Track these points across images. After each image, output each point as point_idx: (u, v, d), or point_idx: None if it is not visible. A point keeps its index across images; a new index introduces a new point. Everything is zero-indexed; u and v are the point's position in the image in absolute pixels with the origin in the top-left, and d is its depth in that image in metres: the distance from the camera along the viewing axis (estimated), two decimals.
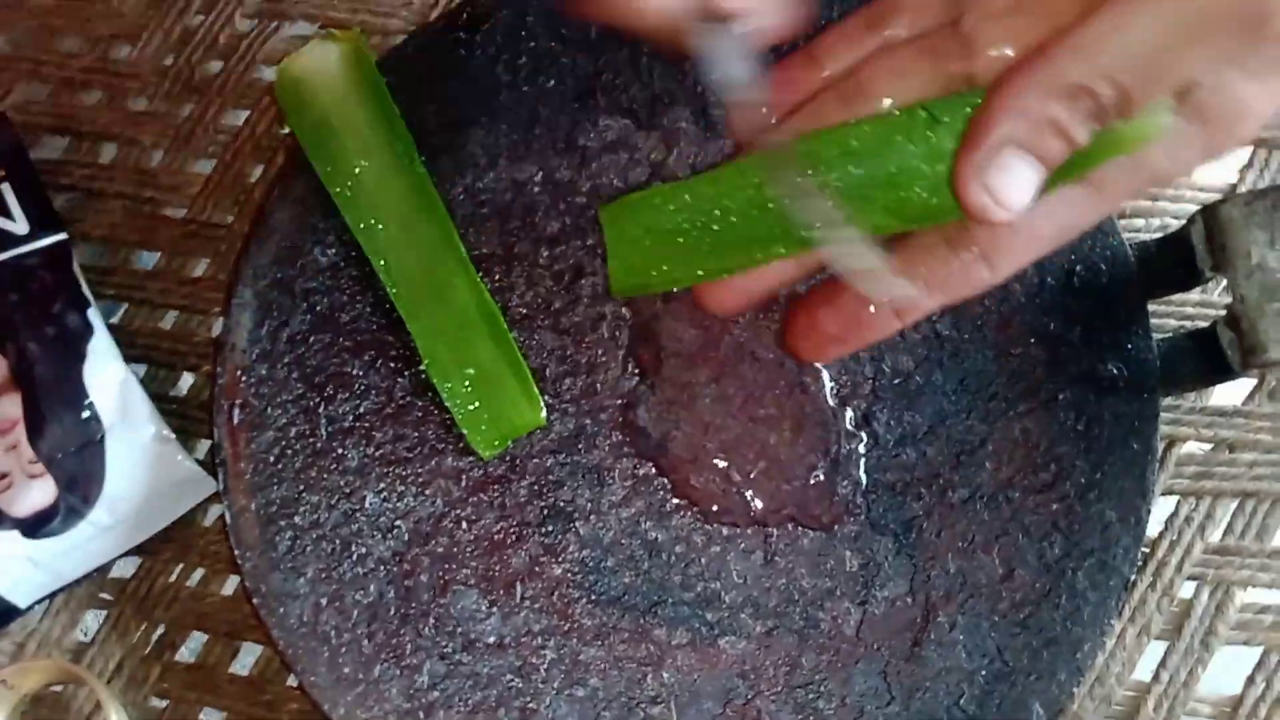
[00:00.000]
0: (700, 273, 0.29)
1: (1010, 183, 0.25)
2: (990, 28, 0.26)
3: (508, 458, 0.40)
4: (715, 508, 0.40)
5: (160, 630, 0.42)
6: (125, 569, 0.43)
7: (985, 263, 0.27)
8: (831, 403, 0.40)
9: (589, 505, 0.40)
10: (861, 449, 0.40)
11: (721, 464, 0.40)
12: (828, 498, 0.40)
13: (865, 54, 0.28)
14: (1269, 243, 0.36)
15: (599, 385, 0.40)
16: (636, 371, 0.40)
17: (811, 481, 0.40)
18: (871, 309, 0.28)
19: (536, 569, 0.39)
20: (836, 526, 0.39)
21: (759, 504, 0.39)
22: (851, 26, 0.29)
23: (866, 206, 0.27)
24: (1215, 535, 0.40)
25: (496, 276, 0.41)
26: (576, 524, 0.39)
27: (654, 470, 0.40)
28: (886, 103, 0.27)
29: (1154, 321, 0.40)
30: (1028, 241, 0.27)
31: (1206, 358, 0.38)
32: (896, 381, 0.40)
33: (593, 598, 0.39)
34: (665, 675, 0.39)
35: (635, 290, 0.31)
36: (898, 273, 0.27)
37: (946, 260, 0.27)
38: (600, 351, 0.41)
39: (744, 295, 0.30)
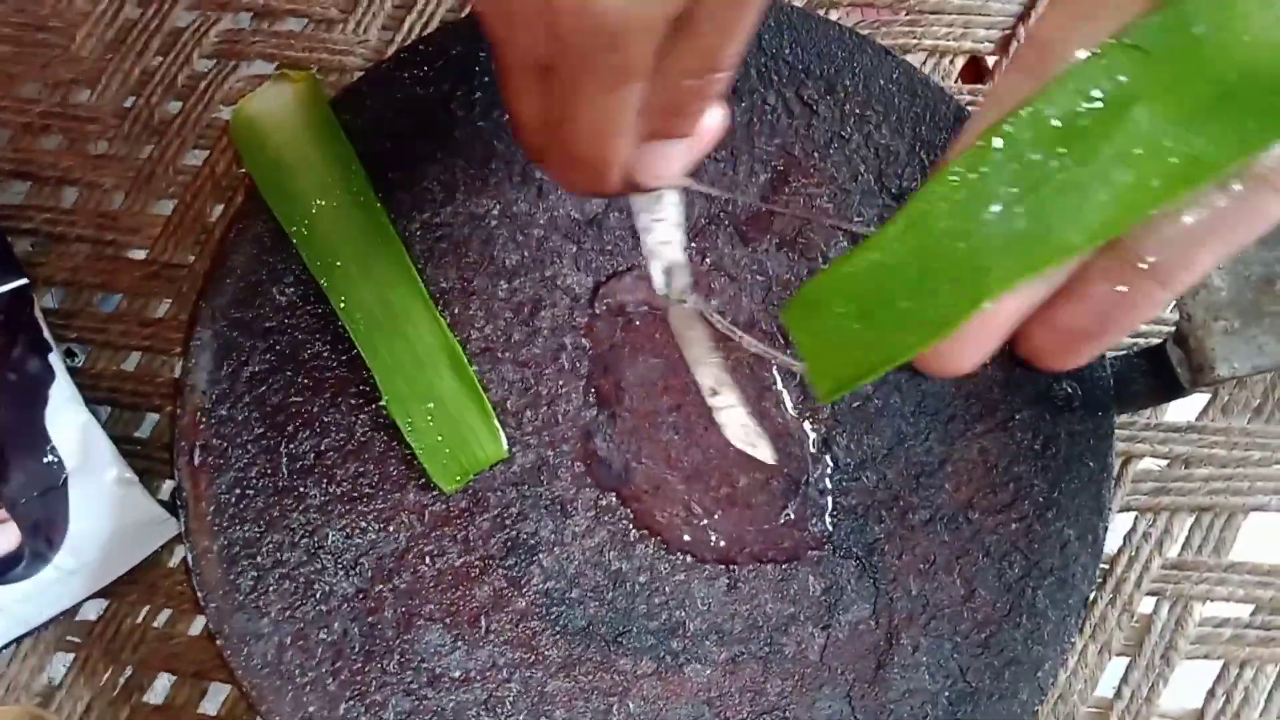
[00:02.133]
0: (917, 339, 0.23)
1: None
2: None
3: (470, 491, 0.40)
4: (686, 538, 0.40)
5: (128, 672, 0.42)
6: (91, 612, 0.42)
7: (1274, 190, 0.22)
8: (792, 428, 0.41)
9: (552, 537, 0.40)
10: (826, 475, 0.40)
11: (684, 497, 0.40)
12: (792, 530, 0.40)
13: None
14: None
15: (560, 416, 0.41)
16: (597, 402, 0.41)
17: (781, 521, 0.40)
18: (1123, 289, 0.23)
19: (501, 602, 0.39)
20: (799, 554, 0.40)
21: (722, 543, 0.40)
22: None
23: (1093, 194, 0.21)
24: (1173, 550, 0.41)
25: (455, 310, 0.41)
26: (540, 556, 0.40)
27: (617, 500, 0.40)
28: (1081, 54, 0.22)
29: None
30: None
31: (1158, 376, 0.39)
32: (855, 405, 0.41)
33: (558, 629, 0.39)
34: (631, 705, 0.39)
35: (847, 388, 0.25)
36: None
37: (1208, 218, 0.22)
38: (561, 383, 0.41)
39: (982, 342, 0.24)
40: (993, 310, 0.23)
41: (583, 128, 0.27)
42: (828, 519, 0.40)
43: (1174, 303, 0.37)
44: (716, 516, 0.40)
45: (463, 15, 0.46)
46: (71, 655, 0.42)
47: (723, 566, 0.40)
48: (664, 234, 0.33)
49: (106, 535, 0.41)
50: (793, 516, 0.40)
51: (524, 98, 0.28)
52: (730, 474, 0.40)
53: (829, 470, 0.40)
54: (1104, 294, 0.23)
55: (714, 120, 0.30)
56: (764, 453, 0.26)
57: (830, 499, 0.40)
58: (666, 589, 0.39)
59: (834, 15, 0.46)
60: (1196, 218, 0.22)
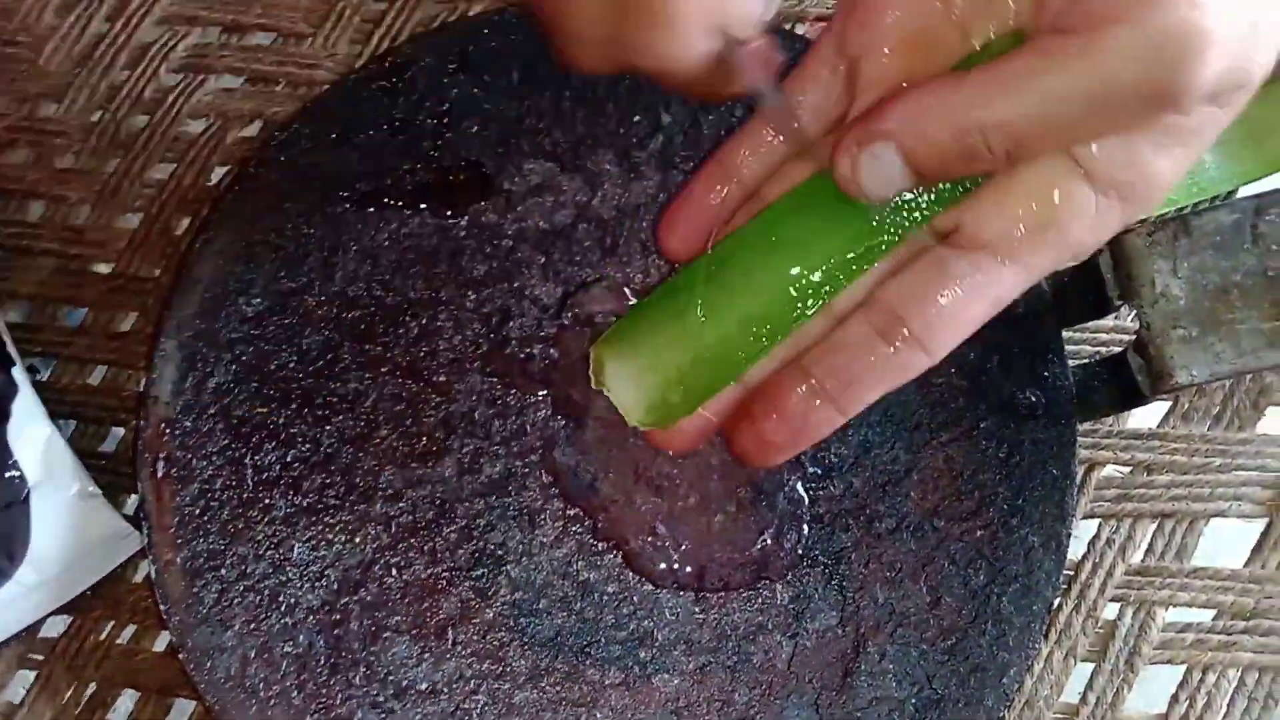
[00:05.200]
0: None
1: (875, 171, 0.26)
2: (874, 66, 0.27)
3: (436, 502, 0.40)
4: (658, 568, 0.40)
5: (91, 689, 0.42)
6: (54, 628, 0.42)
7: (920, 347, 0.27)
8: None
9: (520, 547, 0.40)
10: (798, 483, 0.40)
11: (652, 513, 0.40)
12: (766, 553, 0.40)
13: (773, 161, 0.29)
14: (1171, 271, 0.37)
15: (528, 427, 0.41)
16: (565, 412, 0.41)
17: (757, 547, 0.40)
18: (819, 409, 0.28)
19: (468, 613, 0.39)
20: (769, 566, 0.40)
21: (688, 569, 0.40)
22: (755, 131, 0.29)
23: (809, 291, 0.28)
24: (1136, 556, 0.41)
25: (424, 321, 0.41)
26: (508, 567, 0.40)
27: (584, 513, 0.40)
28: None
29: (1069, 349, 0.41)
30: (962, 321, 0.27)
31: (1120, 383, 0.39)
32: None
33: (525, 640, 0.39)
34: (599, 715, 0.39)
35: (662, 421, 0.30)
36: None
37: (882, 352, 0.27)
38: (528, 394, 0.41)
39: (697, 432, 0.30)
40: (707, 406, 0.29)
41: None
42: (805, 530, 0.40)
43: (1134, 312, 0.38)
44: (685, 546, 0.40)
45: (431, 28, 0.47)
46: (33, 673, 0.42)
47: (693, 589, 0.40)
48: None
49: (69, 550, 0.40)
50: (769, 542, 0.40)
51: None
52: (700, 483, 0.40)
53: (799, 478, 0.40)
54: (799, 416, 0.28)
55: None
56: None
57: (806, 510, 0.40)
58: (634, 599, 0.39)
59: (800, 29, 0.47)
60: (864, 367, 0.27)
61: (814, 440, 0.28)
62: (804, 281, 0.28)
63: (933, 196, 0.27)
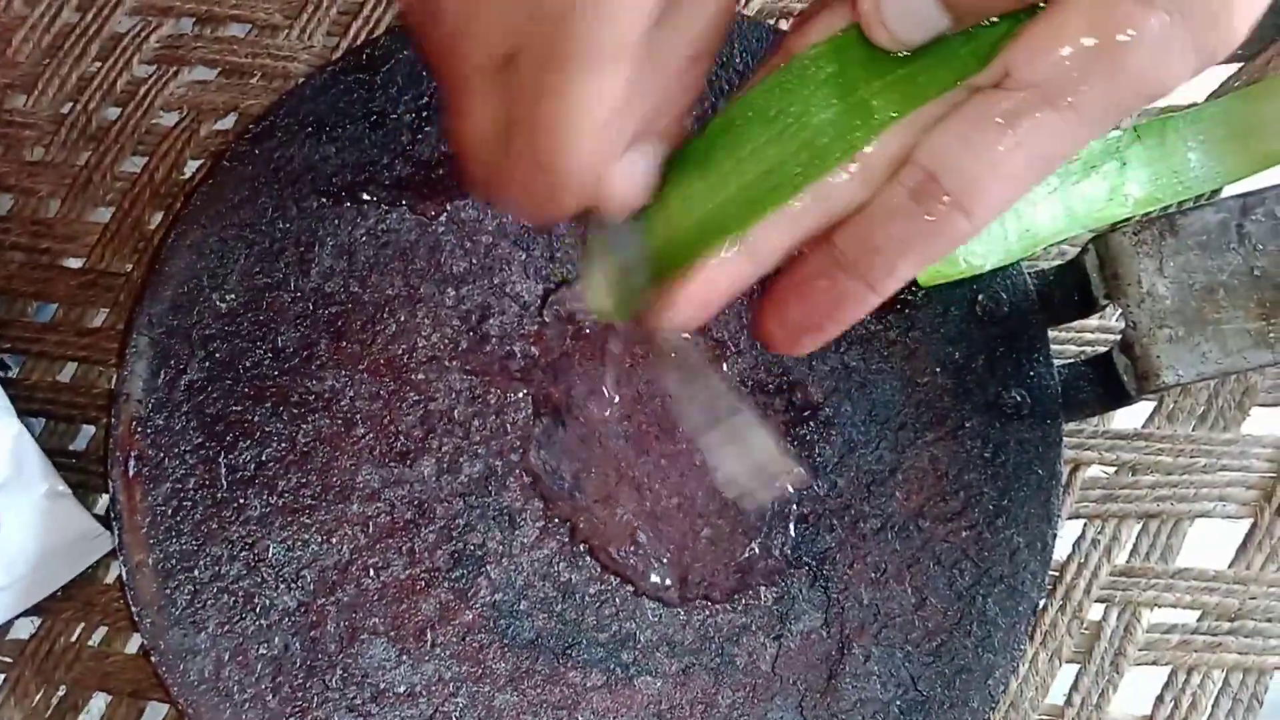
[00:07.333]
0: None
1: (903, 8, 0.23)
2: None
3: (415, 502, 0.39)
4: (646, 578, 0.39)
5: (61, 692, 0.41)
6: (23, 630, 0.41)
7: (959, 209, 0.23)
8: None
9: (500, 548, 0.39)
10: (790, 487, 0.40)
11: (634, 516, 0.39)
12: (753, 561, 0.40)
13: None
14: (1158, 270, 0.37)
15: (508, 426, 0.40)
16: (546, 411, 0.40)
17: (744, 555, 0.39)
18: (846, 286, 0.24)
19: (447, 615, 0.38)
20: (753, 569, 0.39)
21: (671, 578, 0.39)
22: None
23: (793, 167, 0.24)
24: (1121, 557, 0.41)
25: (402, 318, 0.40)
26: (488, 568, 0.39)
27: (562, 515, 0.39)
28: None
29: (1055, 348, 0.41)
30: (1007, 178, 0.23)
31: (1106, 383, 0.39)
32: (806, 414, 0.41)
33: (505, 642, 0.38)
34: (581, 718, 0.38)
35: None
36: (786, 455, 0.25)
37: (914, 216, 0.23)
38: (509, 392, 0.40)
39: (702, 305, 0.26)
40: (711, 277, 0.25)
41: (554, 121, 0.23)
42: (790, 531, 0.40)
43: (1120, 311, 0.38)
44: (667, 551, 0.39)
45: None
46: (2, 676, 0.41)
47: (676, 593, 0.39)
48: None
49: (38, 551, 0.39)
50: (753, 547, 0.39)
51: (477, 101, 0.24)
52: (683, 484, 0.40)
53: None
54: (825, 296, 0.25)
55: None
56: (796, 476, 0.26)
57: (791, 511, 0.40)
58: (617, 599, 0.39)
59: (785, 25, 0.46)
60: (898, 233, 0.24)
61: (844, 323, 0.25)
62: (791, 166, 0.24)
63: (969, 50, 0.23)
